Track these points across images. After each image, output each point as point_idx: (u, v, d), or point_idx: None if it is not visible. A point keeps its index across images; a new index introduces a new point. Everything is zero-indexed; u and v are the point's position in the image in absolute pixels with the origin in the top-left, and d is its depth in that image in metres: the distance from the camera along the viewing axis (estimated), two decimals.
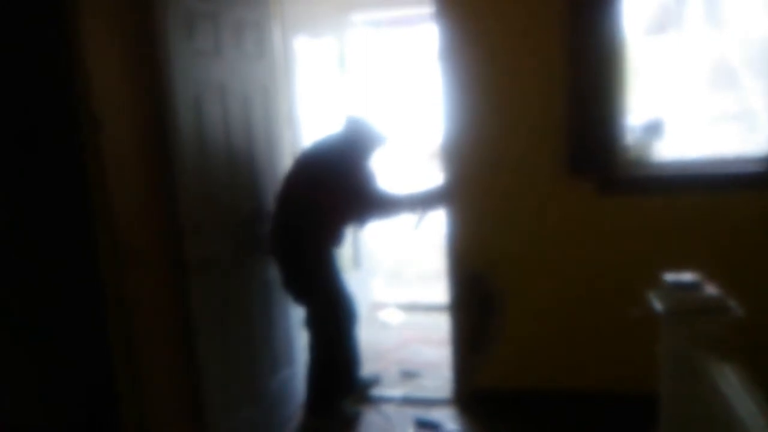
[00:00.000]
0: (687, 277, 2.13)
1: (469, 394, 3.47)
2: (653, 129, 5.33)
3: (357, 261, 4.74)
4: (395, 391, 3.71)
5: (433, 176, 4.10)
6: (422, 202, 3.34)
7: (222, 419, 2.84)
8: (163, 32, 2.52)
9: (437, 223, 3.66)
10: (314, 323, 3.30)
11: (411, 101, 6.97)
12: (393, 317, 4.86)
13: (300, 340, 3.54)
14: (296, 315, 3.48)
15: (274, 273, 3.25)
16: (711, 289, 2.10)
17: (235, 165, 2.96)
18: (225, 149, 2.89)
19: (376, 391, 3.71)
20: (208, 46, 2.78)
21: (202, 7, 2.73)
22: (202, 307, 2.73)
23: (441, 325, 4.13)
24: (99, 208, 2.39)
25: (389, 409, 3.52)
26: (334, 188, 3.13)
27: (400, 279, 5.81)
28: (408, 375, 3.92)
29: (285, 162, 3.40)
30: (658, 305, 2.14)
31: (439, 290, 4.83)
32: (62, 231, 2.39)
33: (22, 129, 2.29)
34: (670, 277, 2.15)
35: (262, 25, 3.17)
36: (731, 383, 1.85)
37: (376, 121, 3.34)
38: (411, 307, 5.10)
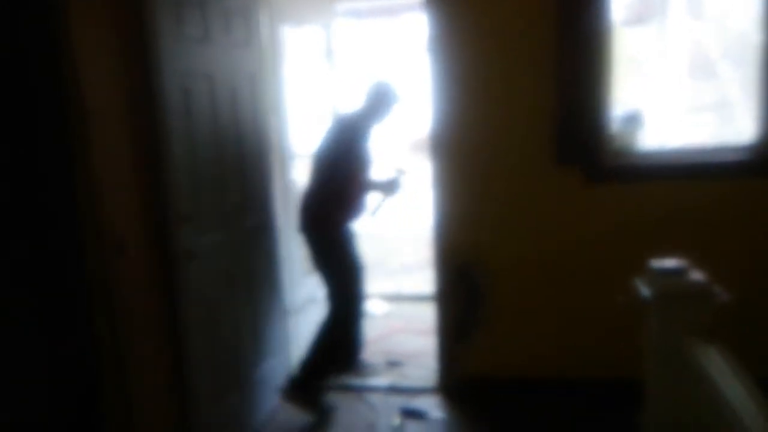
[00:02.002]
0: (672, 263, 2.17)
1: (454, 382, 3.50)
2: (633, 119, 5.41)
3: None
4: (380, 381, 3.73)
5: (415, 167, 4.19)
6: (384, 188, 3.65)
7: (206, 407, 2.83)
8: (151, 19, 2.50)
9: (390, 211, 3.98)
10: (334, 299, 3.44)
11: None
12: (377, 307, 4.87)
13: (285, 331, 3.54)
14: (282, 305, 3.48)
15: (260, 264, 3.24)
16: (696, 275, 2.14)
17: (223, 154, 2.94)
18: (213, 138, 2.87)
19: (362, 381, 3.73)
20: (197, 33, 2.75)
21: None
22: (189, 297, 2.72)
23: (425, 315, 4.16)
24: (86, 199, 2.37)
25: (375, 398, 3.54)
26: (339, 157, 3.32)
27: (383, 269, 5.82)
28: (393, 364, 3.94)
29: (272, 151, 3.39)
30: (644, 291, 2.18)
31: (422, 280, 4.87)
32: (49, 221, 2.36)
33: (10, 119, 2.26)
34: (656, 263, 2.19)
35: (250, 12, 3.15)
36: (718, 366, 1.89)
37: (394, 82, 3.53)
38: (395, 298, 5.12)
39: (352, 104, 3.60)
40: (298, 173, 3.88)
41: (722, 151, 3.09)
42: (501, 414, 3.28)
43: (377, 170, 3.57)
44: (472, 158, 3.20)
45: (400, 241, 6.45)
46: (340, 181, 3.33)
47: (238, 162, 3.06)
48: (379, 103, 3.42)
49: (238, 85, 3.05)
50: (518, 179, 3.18)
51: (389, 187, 3.65)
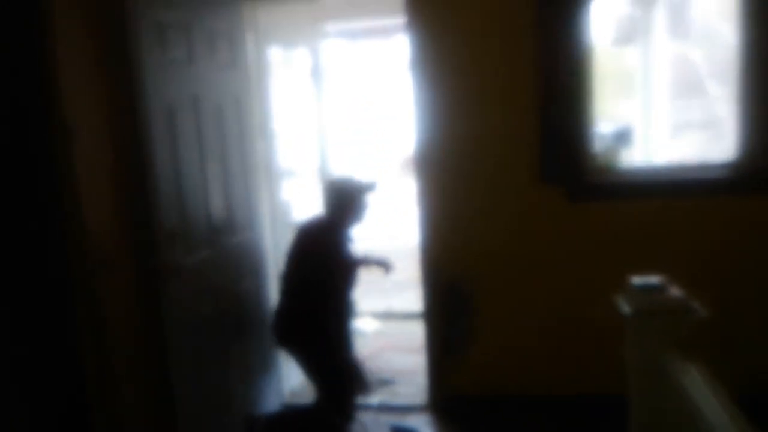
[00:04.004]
0: (652, 279, 2.19)
1: (444, 400, 3.50)
2: (621, 137, 5.46)
3: None
4: (371, 399, 3.73)
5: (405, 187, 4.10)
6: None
7: (194, 426, 2.83)
8: (135, 44, 2.53)
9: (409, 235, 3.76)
10: (322, 401, 3.18)
11: (385, 112, 7.01)
12: (368, 325, 4.88)
13: (275, 349, 3.54)
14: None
15: (246, 284, 3.25)
16: (675, 291, 2.16)
17: (209, 173, 2.97)
18: (198, 157, 2.90)
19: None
20: (181, 56, 2.79)
21: (174, 18, 2.75)
22: (174, 315, 2.73)
23: (416, 333, 4.15)
24: (70, 217, 2.39)
25: (365, 417, 3.53)
26: (314, 264, 3.04)
27: (376, 287, 5.82)
28: (383, 382, 3.94)
29: (258, 172, 3.42)
30: (624, 307, 2.20)
31: (414, 297, 4.86)
32: (33, 239, 2.38)
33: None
34: (636, 279, 2.20)
35: (235, 35, 3.20)
36: (695, 383, 1.90)
37: (354, 174, 3.27)
38: (386, 316, 5.12)
39: (314, 211, 3.31)
40: (286, 192, 3.91)
41: (704, 169, 3.13)
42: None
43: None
44: (456, 176, 3.23)
45: (393, 258, 6.45)
46: (317, 299, 3.05)
47: (224, 181, 3.08)
48: (344, 204, 3.07)
49: (224, 106, 3.08)
50: (502, 197, 3.20)
51: (383, 264, 3.45)
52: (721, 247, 3.05)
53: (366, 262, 3.40)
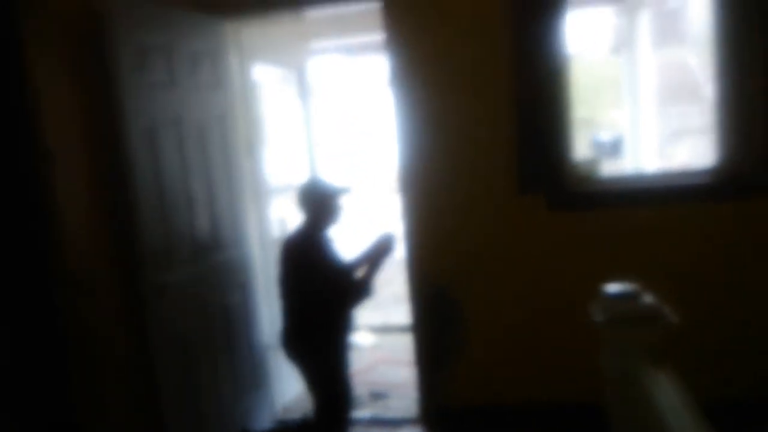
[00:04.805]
0: (624, 287, 2.19)
1: (435, 412, 3.49)
2: (614, 146, 5.45)
3: None
4: (363, 413, 3.73)
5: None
6: (375, 265, 3.14)
7: None
8: (115, 66, 2.60)
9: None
10: (318, 413, 3.12)
11: (372, 129, 7.02)
12: (364, 339, 4.89)
13: (266, 365, 3.57)
14: (260, 340, 3.52)
15: (233, 300, 3.28)
16: (647, 299, 2.16)
17: (192, 194, 3.01)
18: (181, 178, 2.94)
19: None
20: (162, 77, 2.85)
21: (155, 39, 2.81)
22: (160, 333, 2.77)
23: (411, 346, 4.16)
24: (51, 239, 2.44)
25: (357, 431, 3.54)
26: (306, 274, 2.97)
27: (374, 301, 5.82)
28: (376, 396, 3.95)
29: (244, 190, 3.46)
30: (597, 316, 2.20)
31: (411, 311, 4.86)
32: (14, 261, 2.42)
33: None
34: (608, 287, 2.21)
35: (218, 54, 3.25)
36: (665, 392, 1.91)
37: (326, 176, 3.21)
38: (383, 329, 5.13)
39: (296, 221, 3.17)
40: (279, 209, 3.95)
41: (685, 176, 3.13)
42: None
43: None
44: (438, 189, 3.25)
45: (391, 271, 6.46)
46: (315, 304, 2.99)
47: (209, 199, 3.13)
48: (317, 207, 3.00)
49: (207, 125, 3.13)
50: (483, 208, 3.21)
51: (382, 249, 3.13)
52: (702, 254, 3.04)
53: (368, 257, 3.16)
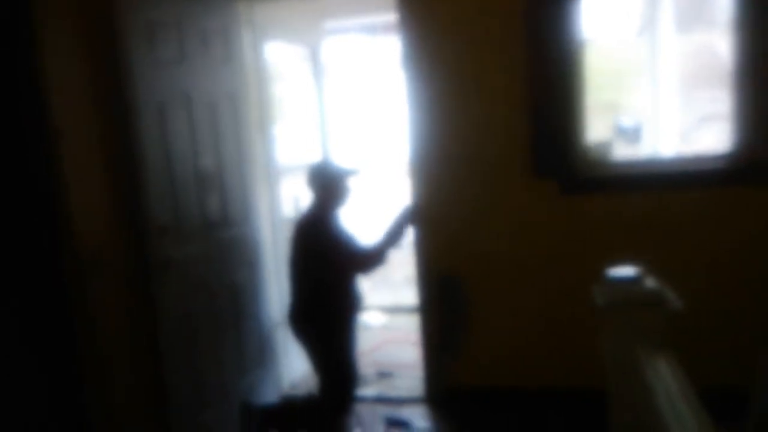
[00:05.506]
0: (627, 271, 2.17)
1: (440, 392, 3.51)
2: (635, 130, 5.37)
3: None
4: (369, 391, 3.76)
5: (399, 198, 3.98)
6: (395, 234, 3.16)
7: (187, 418, 2.90)
8: (124, 43, 2.61)
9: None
10: (324, 393, 3.18)
11: (386, 110, 6.93)
12: (375, 319, 4.91)
13: (273, 342, 3.60)
14: (267, 317, 3.55)
15: (241, 276, 3.31)
16: (650, 283, 2.14)
17: (203, 170, 3.03)
18: (191, 153, 2.96)
19: None
20: (172, 54, 2.85)
21: (165, 16, 2.81)
22: (167, 308, 2.80)
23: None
24: (60, 216, 2.47)
25: (362, 408, 3.57)
26: (317, 255, 3.00)
27: (387, 282, 5.85)
28: (383, 375, 3.97)
29: (255, 168, 3.47)
30: (599, 299, 2.19)
31: None
32: (24, 238, 2.46)
33: None
34: (612, 271, 2.19)
35: (230, 32, 3.24)
36: (662, 377, 1.89)
37: (335, 158, 3.24)
38: (395, 310, 5.15)
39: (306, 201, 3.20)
40: (288, 188, 3.96)
41: (700, 161, 3.07)
42: (486, 424, 3.28)
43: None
44: (449, 172, 3.23)
45: (405, 251, 6.48)
46: (324, 285, 3.04)
47: (219, 176, 3.14)
48: (326, 187, 3.03)
49: (218, 103, 3.13)
50: (495, 192, 3.19)
51: (404, 222, 3.18)
52: (717, 239, 2.99)
53: (390, 240, 3.13)
